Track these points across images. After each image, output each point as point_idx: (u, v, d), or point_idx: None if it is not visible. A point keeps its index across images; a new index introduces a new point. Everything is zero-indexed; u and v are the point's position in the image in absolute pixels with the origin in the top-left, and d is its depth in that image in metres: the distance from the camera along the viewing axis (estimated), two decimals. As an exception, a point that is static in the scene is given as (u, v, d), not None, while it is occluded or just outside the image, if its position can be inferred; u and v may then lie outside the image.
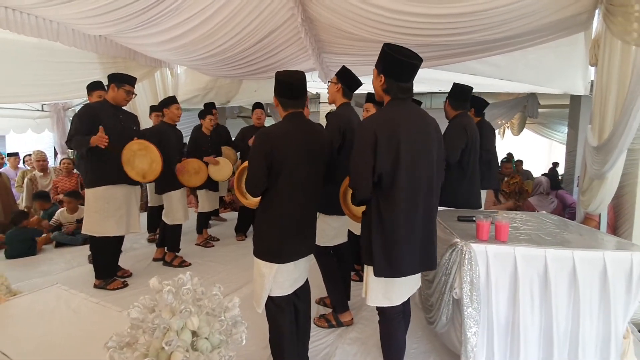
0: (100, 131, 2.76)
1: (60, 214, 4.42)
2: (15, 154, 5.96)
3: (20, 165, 6.04)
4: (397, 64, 1.61)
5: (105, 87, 3.10)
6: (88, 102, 3.31)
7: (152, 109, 4.22)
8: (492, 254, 1.82)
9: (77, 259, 3.78)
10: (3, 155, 4.53)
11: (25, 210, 4.84)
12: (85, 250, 3.57)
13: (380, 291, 1.73)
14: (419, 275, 1.82)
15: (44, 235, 4.33)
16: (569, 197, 4.37)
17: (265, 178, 1.73)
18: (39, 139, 7.11)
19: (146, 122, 4.54)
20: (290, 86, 1.78)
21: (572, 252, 1.77)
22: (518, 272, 1.79)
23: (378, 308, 1.82)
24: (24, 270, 3.50)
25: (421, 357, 2.21)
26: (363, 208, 1.80)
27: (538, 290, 1.79)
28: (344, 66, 2.48)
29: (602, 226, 3.12)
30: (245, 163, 2.01)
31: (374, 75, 1.71)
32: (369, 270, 1.73)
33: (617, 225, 3.17)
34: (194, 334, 1.21)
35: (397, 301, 1.75)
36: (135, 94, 3.14)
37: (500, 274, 1.82)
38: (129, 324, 1.19)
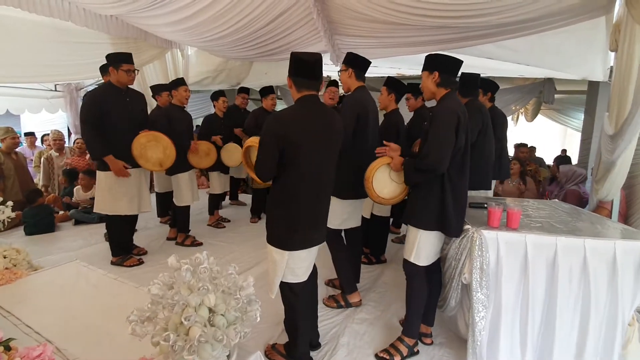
0: (121, 164, 2.90)
1: (76, 192, 4.54)
2: (32, 134, 6.07)
3: (38, 144, 6.15)
4: (447, 61, 1.91)
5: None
6: (102, 81, 3.32)
7: (156, 88, 4.16)
8: (502, 240, 1.83)
9: (94, 236, 3.90)
10: (19, 135, 4.61)
11: (43, 189, 4.97)
12: (102, 228, 3.67)
13: (431, 253, 2.01)
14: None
15: (61, 212, 4.47)
16: (581, 185, 4.33)
17: (276, 164, 1.70)
18: (53, 119, 7.21)
19: (152, 103, 4.56)
20: (308, 64, 1.71)
21: (583, 240, 1.77)
22: (528, 260, 1.80)
23: (415, 268, 2.02)
24: (43, 246, 3.62)
25: (427, 338, 2.26)
26: (393, 190, 2.17)
27: (547, 278, 1.81)
28: (350, 52, 2.48)
29: (613, 214, 3.10)
30: (252, 138, 1.98)
31: (424, 77, 1.95)
32: (425, 235, 1.95)
33: (629, 215, 3.14)
34: (211, 310, 1.27)
35: (433, 259, 2.05)
36: (137, 70, 3.10)
37: (511, 261, 1.84)
38: (150, 299, 1.24)
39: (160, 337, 1.12)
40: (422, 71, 1.96)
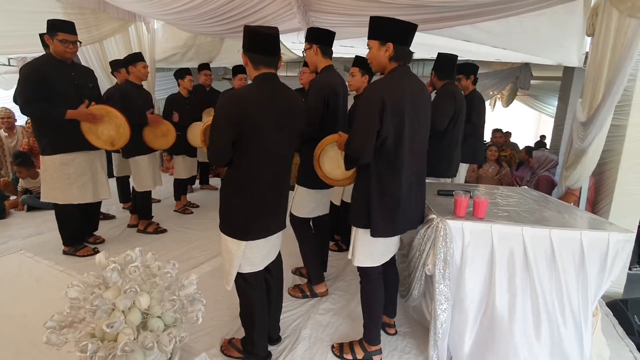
0: (83, 106, 2.54)
1: (25, 180, 4.19)
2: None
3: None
4: (402, 26, 1.62)
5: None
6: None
7: (115, 64, 3.84)
8: (468, 231, 1.76)
9: (47, 223, 3.63)
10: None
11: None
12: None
13: (368, 252, 1.80)
14: (398, 237, 1.92)
15: (12, 198, 4.15)
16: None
17: (231, 147, 1.57)
18: (8, 96, 6.69)
19: (112, 80, 4.25)
20: (262, 37, 1.56)
21: (549, 230, 1.72)
22: (494, 250, 1.75)
23: (361, 269, 1.88)
24: (-11, 234, 3.35)
25: (393, 329, 2.22)
26: (340, 170, 1.97)
27: (514, 269, 1.75)
28: (309, 27, 2.29)
29: (581, 201, 3.11)
30: (210, 119, 1.84)
31: (375, 47, 1.66)
32: (358, 233, 1.78)
33: (597, 201, 3.17)
34: (145, 313, 1.14)
35: (379, 261, 1.85)
36: (80, 42, 2.69)
37: (476, 252, 1.78)
38: (68, 303, 1.10)
39: (77, 347, 0.99)
40: (368, 39, 1.68)
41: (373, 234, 1.71)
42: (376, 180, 1.67)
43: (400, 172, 1.67)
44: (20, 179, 4.13)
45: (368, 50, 1.70)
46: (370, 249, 1.80)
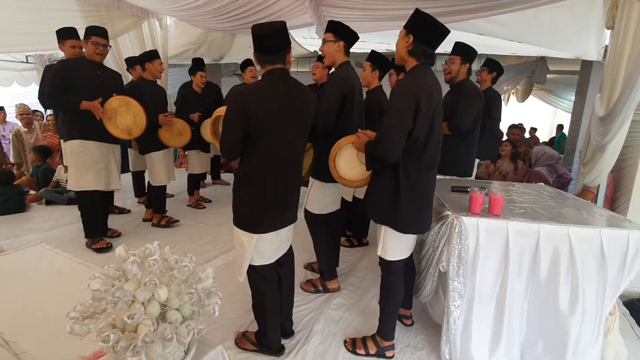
0: (97, 102, 2.70)
1: (58, 171, 4.33)
2: (1, 109, 5.74)
3: (11, 119, 5.81)
4: (430, 27, 1.60)
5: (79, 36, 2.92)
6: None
7: (130, 61, 3.91)
8: (483, 228, 1.74)
9: (66, 217, 3.73)
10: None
11: (15, 167, 4.74)
12: (73, 209, 3.51)
13: (398, 247, 1.81)
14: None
15: (32, 192, 4.27)
16: (560, 167, 4.28)
17: (241, 142, 1.60)
18: (28, 92, 6.84)
19: (127, 77, 4.31)
20: (264, 39, 1.58)
21: (567, 228, 1.69)
22: (509, 248, 1.73)
23: (383, 263, 1.88)
24: (11, 227, 3.45)
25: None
26: (360, 172, 1.97)
27: (529, 267, 1.74)
28: (338, 22, 2.26)
29: (599, 198, 3.05)
30: (219, 110, 1.90)
31: (401, 36, 1.65)
32: (388, 230, 1.77)
33: (615, 198, 3.10)
34: (164, 305, 1.16)
35: (407, 254, 1.86)
36: (110, 46, 2.94)
37: (491, 249, 1.76)
38: (91, 295, 1.13)
39: (100, 337, 1.02)
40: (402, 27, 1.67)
41: (403, 231, 1.73)
42: (405, 178, 1.67)
43: (428, 171, 1.70)
44: (56, 171, 4.33)
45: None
46: (400, 244, 1.81)
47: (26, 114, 4.82)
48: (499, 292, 1.78)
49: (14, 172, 4.28)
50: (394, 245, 1.80)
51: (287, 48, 1.64)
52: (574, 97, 5.53)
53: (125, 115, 2.86)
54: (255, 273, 1.81)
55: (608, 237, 1.66)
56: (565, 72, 6.51)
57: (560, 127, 8.21)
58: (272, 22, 1.60)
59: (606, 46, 3.54)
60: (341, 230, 2.95)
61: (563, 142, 6.72)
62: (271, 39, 1.58)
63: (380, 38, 4.82)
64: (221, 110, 1.89)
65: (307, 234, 2.56)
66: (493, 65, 3.16)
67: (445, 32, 1.61)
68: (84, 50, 2.89)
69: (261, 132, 1.58)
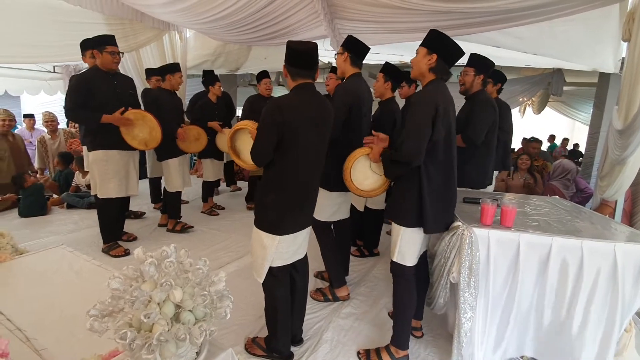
0: (118, 113, 2.80)
1: (76, 177, 4.49)
2: (31, 116, 6.00)
3: (38, 126, 6.05)
4: (452, 47, 1.74)
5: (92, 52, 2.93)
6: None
7: (150, 72, 4.05)
8: (494, 239, 1.74)
9: (85, 220, 3.86)
10: (13, 116, 4.53)
11: (38, 172, 4.93)
12: (93, 213, 3.62)
13: (413, 250, 1.87)
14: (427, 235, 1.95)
15: (54, 196, 4.43)
16: (582, 181, 4.19)
17: (272, 150, 1.71)
18: (54, 101, 7.14)
19: (147, 86, 4.46)
20: (302, 55, 1.72)
21: (580, 242, 1.67)
22: (519, 260, 1.71)
23: (396, 269, 1.92)
24: (34, 229, 3.59)
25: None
26: (374, 182, 2.08)
27: (540, 280, 1.71)
28: (349, 35, 2.35)
29: (617, 213, 2.98)
30: (239, 124, 2.02)
31: (421, 54, 1.77)
32: (406, 232, 1.83)
33: (634, 212, 3.03)
34: (178, 306, 1.20)
35: (416, 260, 1.91)
36: (122, 53, 3.00)
37: (502, 261, 1.75)
38: (110, 294, 1.18)
39: (117, 335, 1.06)
40: (420, 45, 1.79)
41: (427, 231, 1.82)
42: (426, 181, 1.75)
43: (449, 172, 1.79)
44: (75, 176, 4.49)
45: (415, 54, 1.81)
46: (416, 248, 1.87)
47: (51, 121, 5.04)
48: (511, 305, 1.76)
49: (37, 176, 4.47)
50: (411, 249, 1.86)
51: (317, 65, 1.79)
52: (591, 109, 5.44)
53: (142, 128, 2.98)
54: (270, 275, 1.86)
55: (622, 251, 1.63)
56: (582, 84, 6.42)
57: (552, 137, 8.15)
58: (308, 42, 1.73)
59: (623, 58, 3.50)
60: (350, 239, 2.96)
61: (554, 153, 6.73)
62: (309, 56, 1.72)
63: (394, 50, 4.86)
64: (242, 124, 2.01)
65: (316, 243, 2.58)
66: (496, 76, 3.15)
67: (462, 52, 1.77)
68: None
69: (293, 140, 1.69)
